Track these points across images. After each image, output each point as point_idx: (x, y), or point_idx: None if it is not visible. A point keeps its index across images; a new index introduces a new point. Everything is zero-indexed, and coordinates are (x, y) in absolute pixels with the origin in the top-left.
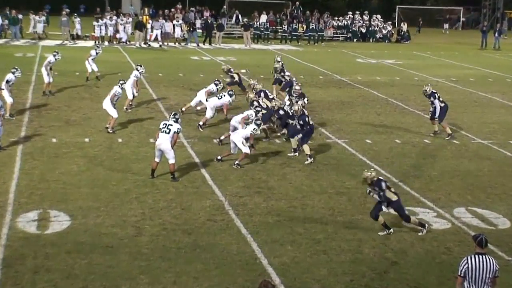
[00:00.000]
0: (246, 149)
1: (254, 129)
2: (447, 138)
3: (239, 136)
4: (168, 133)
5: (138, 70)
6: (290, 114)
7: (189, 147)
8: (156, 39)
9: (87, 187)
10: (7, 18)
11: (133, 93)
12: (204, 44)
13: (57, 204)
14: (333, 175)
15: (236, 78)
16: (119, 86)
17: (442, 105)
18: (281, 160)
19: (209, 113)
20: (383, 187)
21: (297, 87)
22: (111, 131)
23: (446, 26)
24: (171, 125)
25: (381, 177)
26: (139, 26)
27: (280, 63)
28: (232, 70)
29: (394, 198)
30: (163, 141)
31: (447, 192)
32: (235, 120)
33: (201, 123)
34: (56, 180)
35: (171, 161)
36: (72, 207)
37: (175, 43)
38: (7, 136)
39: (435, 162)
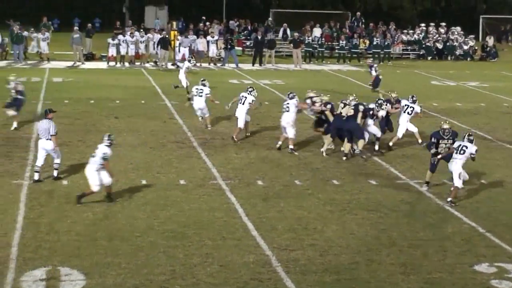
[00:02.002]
0: (460, 183)
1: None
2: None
3: (460, 165)
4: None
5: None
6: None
7: (227, 190)
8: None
9: (104, 239)
10: (10, 34)
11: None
12: (253, 65)
13: (69, 260)
14: (405, 224)
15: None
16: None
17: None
18: (341, 205)
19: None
20: None
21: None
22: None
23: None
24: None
25: None
26: (164, 43)
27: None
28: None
29: None
30: (90, 169)
31: None
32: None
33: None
34: (67, 230)
35: (107, 183)
36: (87, 264)
37: (209, 64)
38: (9, 178)
39: None
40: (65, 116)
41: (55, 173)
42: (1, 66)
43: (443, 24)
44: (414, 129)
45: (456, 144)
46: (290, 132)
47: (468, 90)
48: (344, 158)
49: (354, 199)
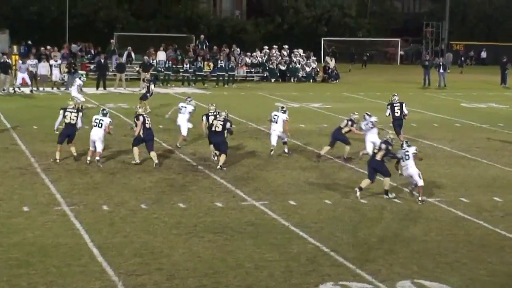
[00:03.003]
0: (421, 181)
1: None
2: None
3: (414, 167)
4: None
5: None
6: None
7: (72, 215)
8: (25, 84)
9: None
10: None
11: None
12: (97, 89)
13: None
14: (251, 245)
15: None
16: None
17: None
18: (187, 228)
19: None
20: None
21: None
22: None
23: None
24: None
25: None
26: (4, 67)
27: None
28: None
29: None
30: None
31: (388, 263)
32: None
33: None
34: None
35: None
36: None
37: (52, 88)
38: None
39: (373, 226)
40: None
41: None
42: None
43: (286, 46)
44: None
45: (399, 154)
46: (99, 146)
47: (311, 111)
48: (219, 167)
49: (201, 222)
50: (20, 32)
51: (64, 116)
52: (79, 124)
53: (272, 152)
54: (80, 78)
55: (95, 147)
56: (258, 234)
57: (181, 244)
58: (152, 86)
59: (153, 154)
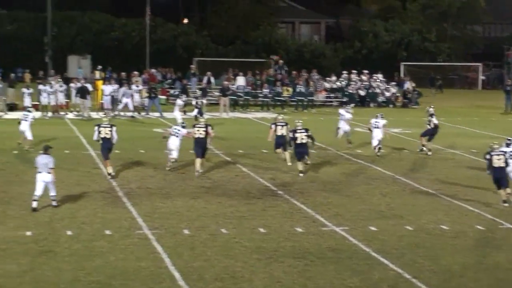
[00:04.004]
0: None
1: None
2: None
3: None
4: None
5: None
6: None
7: (153, 239)
8: (127, 109)
9: None
10: None
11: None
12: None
13: None
14: (331, 271)
15: None
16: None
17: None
18: (268, 253)
19: None
20: None
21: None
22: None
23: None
24: None
25: None
26: (82, 92)
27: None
28: None
29: None
30: None
31: None
32: None
33: None
34: None
35: None
36: None
37: (133, 113)
38: None
39: (456, 252)
40: None
41: (54, 203)
42: None
43: (365, 71)
44: None
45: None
46: (174, 153)
47: (392, 136)
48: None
49: (281, 247)
50: (101, 57)
51: (99, 132)
52: (115, 138)
53: (379, 152)
54: (181, 98)
55: (172, 154)
56: (338, 260)
57: (261, 268)
58: (204, 101)
59: (200, 161)
